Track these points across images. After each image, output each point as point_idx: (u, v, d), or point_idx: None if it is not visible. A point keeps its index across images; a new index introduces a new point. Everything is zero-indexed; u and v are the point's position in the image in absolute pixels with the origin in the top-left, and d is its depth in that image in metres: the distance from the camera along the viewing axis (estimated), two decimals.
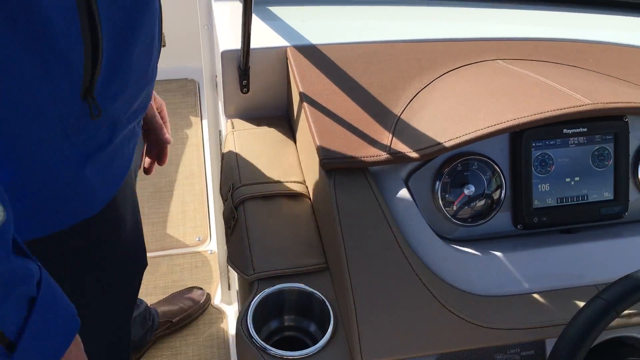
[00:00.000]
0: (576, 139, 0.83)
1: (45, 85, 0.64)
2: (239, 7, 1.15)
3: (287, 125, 1.06)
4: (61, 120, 0.68)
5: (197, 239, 1.97)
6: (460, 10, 1.21)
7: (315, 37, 1.05)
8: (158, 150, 1.06)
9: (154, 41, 0.78)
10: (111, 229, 0.86)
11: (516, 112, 0.80)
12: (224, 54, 1.02)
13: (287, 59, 1.02)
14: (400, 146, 0.81)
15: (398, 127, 0.85)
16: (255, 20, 1.10)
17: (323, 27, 1.10)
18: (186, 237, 1.98)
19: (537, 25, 1.15)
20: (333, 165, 0.81)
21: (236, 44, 1.03)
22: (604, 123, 0.83)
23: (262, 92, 1.07)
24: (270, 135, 1.03)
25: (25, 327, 0.56)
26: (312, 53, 1.01)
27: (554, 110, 0.78)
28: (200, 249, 1.95)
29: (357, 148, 0.83)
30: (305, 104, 0.90)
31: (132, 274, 1.00)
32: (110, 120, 0.74)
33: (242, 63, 1.00)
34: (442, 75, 0.96)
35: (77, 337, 0.66)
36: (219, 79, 1.06)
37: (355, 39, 1.05)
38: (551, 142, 0.83)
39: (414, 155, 0.80)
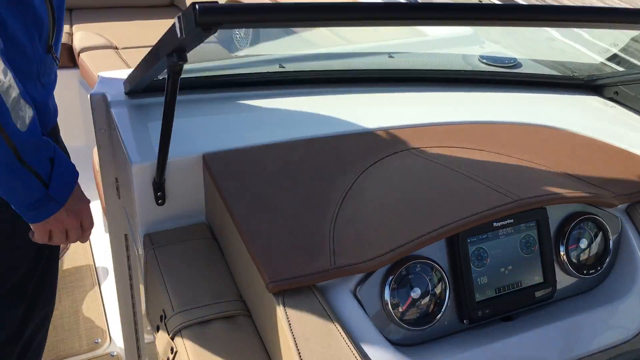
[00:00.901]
0: (505, 230, 0.87)
1: (29, 42, 1.00)
2: (139, 114, 1.09)
3: (208, 232, 1.01)
4: (37, 65, 1.03)
5: (95, 341, 1.80)
6: (361, 96, 1.24)
7: (229, 139, 1.02)
8: None
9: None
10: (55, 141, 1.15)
11: (452, 214, 0.82)
12: (137, 168, 0.95)
13: (204, 166, 0.98)
14: (343, 258, 0.80)
15: (336, 235, 0.84)
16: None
17: (232, 127, 1.07)
18: (82, 340, 1.80)
19: (435, 107, 1.21)
20: (280, 287, 0.77)
21: (146, 155, 0.97)
22: (528, 213, 0.88)
23: (178, 201, 1.01)
24: (194, 248, 0.96)
25: (52, 174, 0.98)
26: (230, 158, 0.97)
27: (487, 211, 0.82)
28: (99, 352, 1.78)
29: (300, 264, 0.80)
30: (235, 219, 0.86)
31: None
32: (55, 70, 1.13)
33: (157, 176, 0.94)
34: (363, 172, 0.97)
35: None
36: (133, 193, 0.99)
37: (269, 138, 1.03)
38: (484, 237, 0.86)
39: (361, 266, 0.78)
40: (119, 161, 1.13)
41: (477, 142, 1.07)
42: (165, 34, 0.65)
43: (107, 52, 2.48)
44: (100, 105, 1.13)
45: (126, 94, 1.13)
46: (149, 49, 2.52)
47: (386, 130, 1.09)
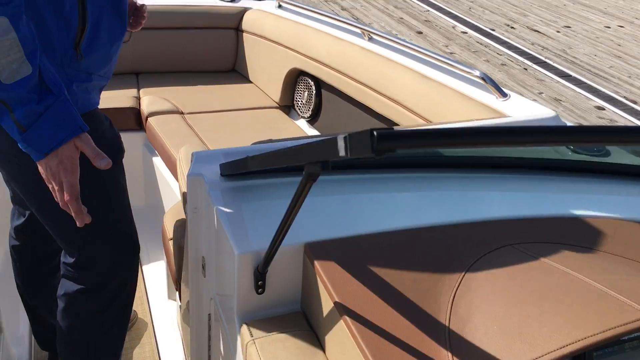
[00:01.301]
0: (631, 343, 0.83)
1: (57, 34, 1.16)
2: (236, 198, 1.09)
3: (305, 323, 0.98)
4: (62, 56, 1.19)
5: None
6: (449, 181, 1.22)
7: (332, 227, 1.00)
8: (134, 17, 1.50)
9: (124, 22, 1.30)
10: (92, 127, 1.20)
11: (582, 328, 0.78)
12: (241, 258, 0.94)
13: (306, 256, 0.96)
14: None
15: (453, 342, 0.80)
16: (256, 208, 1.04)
17: (335, 213, 1.05)
18: None
19: (537, 198, 1.18)
20: None
21: (249, 244, 0.96)
22: None
23: (275, 289, 0.99)
24: (294, 340, 0.94)
25: (33, 125, 1.05)
26: (332, 249, 0.96)
27: (621, 326, 0.77)
28: None
29: None
30: (347, 318, 0.83)
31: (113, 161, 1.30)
32: (86, 70, 1.25)
33: (262, 266, 0.93)
34: (469, 269, 0.94)
35: (84, 135, 1.10)
36: (233, 281, 0.97)
37: (373, 226, 1.01)
38: (609, 350, 0.81)
39: None
40: (210, 242, 1.12)
41: (590, 239, 1.03)
42: (315, 144, 0.64)
43: (173, 117, 2.54)
44: (196, 186, 1.13)
45: (222, 175, 1.14)
46: (212, 113, 2.57)
47: (486, 221, 1.06)
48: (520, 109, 1.75)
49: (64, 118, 1.07)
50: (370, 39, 2.37)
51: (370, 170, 1.21)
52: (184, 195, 1.53)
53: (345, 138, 0.56)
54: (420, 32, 5.78)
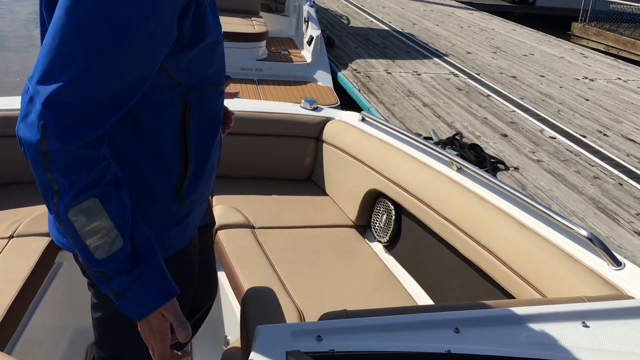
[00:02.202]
0: None
1: (158, 183, 1.16)
2: None
3: None
4: (163, 203, 1.18)
5: None
6: None
7: None
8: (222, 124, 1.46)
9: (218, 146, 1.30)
10: (188, 263, 1.34)
11: None
12: None
13: None
14: None
15: None
16: None
17: None
18: None
19: None
20: None
21: None
22: None
23: None
24: None
25: (127, 291, 1.06)
26: None
27: None
28: None
29: None
30: None
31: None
32: (189, 208, 1.24)
33: None
34: None
35: (170, 303, 1.10)
36: None
37: None
38: None
39: None
40: None
41: None
42: None
43: (243, 232, 2.43)
44: None
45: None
46: (284, 230, 2.47)
47: None
48: None
49: (154, 285, 1.08)
50: (459, 170, 2.19)
51: None
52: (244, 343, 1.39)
53: None
54: (505, 135, 5.57)
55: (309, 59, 7.28)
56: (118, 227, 1.01)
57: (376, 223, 2.59)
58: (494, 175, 4.65)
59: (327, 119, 2.95)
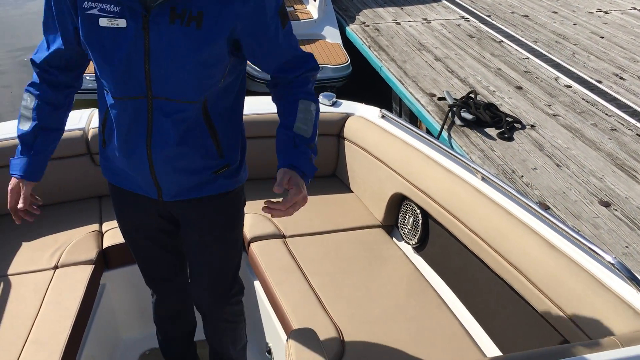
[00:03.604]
0: None
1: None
2: None
3: None
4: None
5: None
6: None
7: None
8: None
9: None
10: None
11: None
12: None
13: None
14: None
15: None
16: None
17: None
18: None
19: None
20: None
21: None
22: None
23: None
24: None
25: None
26: None
27: None
28: None
29: None
30: None
31: None
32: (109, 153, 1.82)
33: None
34: None
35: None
36: None
37: None
38: None
39: None
40: None
41: None
42: None
43: (275, 244, 2.52)
44: None
45: None
46: (314, 237, 2.61)
47: None
48: None
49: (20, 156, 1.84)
50: (483, 179, 2.24)
51: None
52: None
53: None
54: (520, 88, 5.52)
55: (315, 15, 7.14)
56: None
57: (404, 226, 2.66)
58: (511, 136, 4.66)
59: (347, 115, 2.97)
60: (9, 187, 1.74)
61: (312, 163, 1.63)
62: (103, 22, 1.46)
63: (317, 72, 1.68)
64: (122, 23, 1.45)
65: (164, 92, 1.53)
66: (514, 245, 1.96)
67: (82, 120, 2.81)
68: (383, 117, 2.82)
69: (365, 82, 6.62)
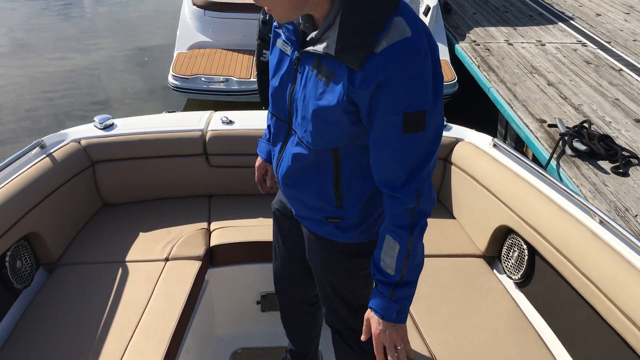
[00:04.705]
0: None
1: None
2: None
3: None
4: None
5: None
6: None
7: None
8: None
9: None
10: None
11: None
12: None
13: None
14: None
15: None
16: None
17: None
18: None
19: None
20: None
21: None
22: None
23: None
24: None
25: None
26: None
27: None
28: None
29: None
30: None
31: None
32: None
33: None
34: None
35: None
36: None
37: None
38: None
39: None
40: None
41: None
42: None
43: None
44: None
45: None
46: None
47: None
48: None
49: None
50: (601, 223, 2.14)
51: None
52: None
53: None
54: (639, 121, 5.20)
55: None
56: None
57: (507, 260, 2.58)
58: (626, 171, 4.40)
59: (457, 140, 2.94)
60: (256, 164, 2.12)
61: (393, 301, 1.53)
62: (279, 43, 1.64)
63: (422, 217, 1.50)
64: (288, 50, 1.60)
65: (294, 125, 1.63)
66: (631, 296, 1.85)
67: (201, 122, 2.95)
68: (495, 145, 2.77)
69: (471, 102, 6.49)
